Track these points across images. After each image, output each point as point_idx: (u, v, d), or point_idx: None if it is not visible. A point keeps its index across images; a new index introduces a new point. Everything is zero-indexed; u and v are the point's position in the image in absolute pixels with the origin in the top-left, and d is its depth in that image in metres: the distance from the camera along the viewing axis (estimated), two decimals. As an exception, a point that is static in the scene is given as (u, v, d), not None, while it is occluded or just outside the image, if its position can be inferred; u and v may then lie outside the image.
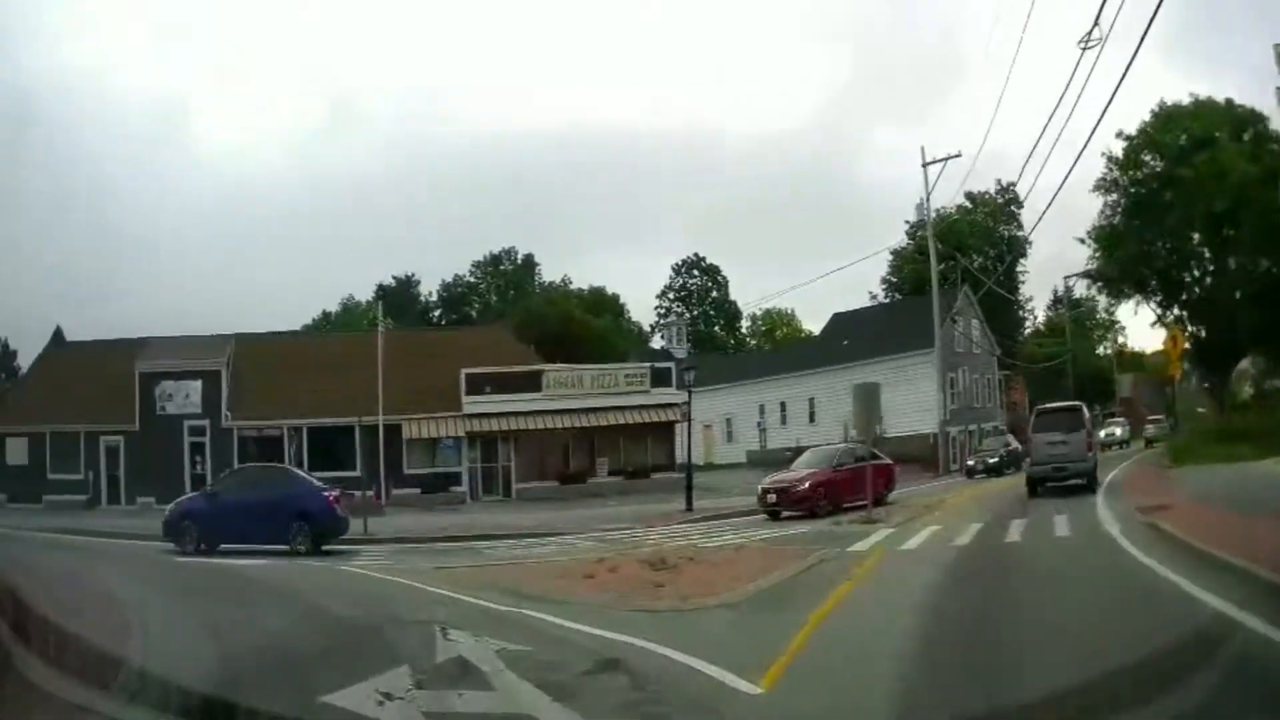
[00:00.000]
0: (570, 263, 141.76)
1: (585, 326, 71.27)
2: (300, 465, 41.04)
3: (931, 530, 20.97)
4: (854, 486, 26.45)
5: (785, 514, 27.78)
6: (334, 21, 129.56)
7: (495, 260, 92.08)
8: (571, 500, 40.93)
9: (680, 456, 44.58)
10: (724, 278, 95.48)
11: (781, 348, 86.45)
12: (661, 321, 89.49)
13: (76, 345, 51.47)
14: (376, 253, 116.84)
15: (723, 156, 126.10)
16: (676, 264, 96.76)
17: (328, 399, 43.00)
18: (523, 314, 71.64)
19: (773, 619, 11.49)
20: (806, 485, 27.93)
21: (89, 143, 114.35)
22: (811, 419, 61.51)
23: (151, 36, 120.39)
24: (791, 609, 11.74)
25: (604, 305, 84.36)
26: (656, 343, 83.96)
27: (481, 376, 44.54)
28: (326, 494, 23.64)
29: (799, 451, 36.38)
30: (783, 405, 65.04)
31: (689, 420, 40.05)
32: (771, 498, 28.34)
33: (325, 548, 23.29)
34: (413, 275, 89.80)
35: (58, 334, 53.31)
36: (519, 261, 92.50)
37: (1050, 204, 72.80)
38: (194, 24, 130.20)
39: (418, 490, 42.86)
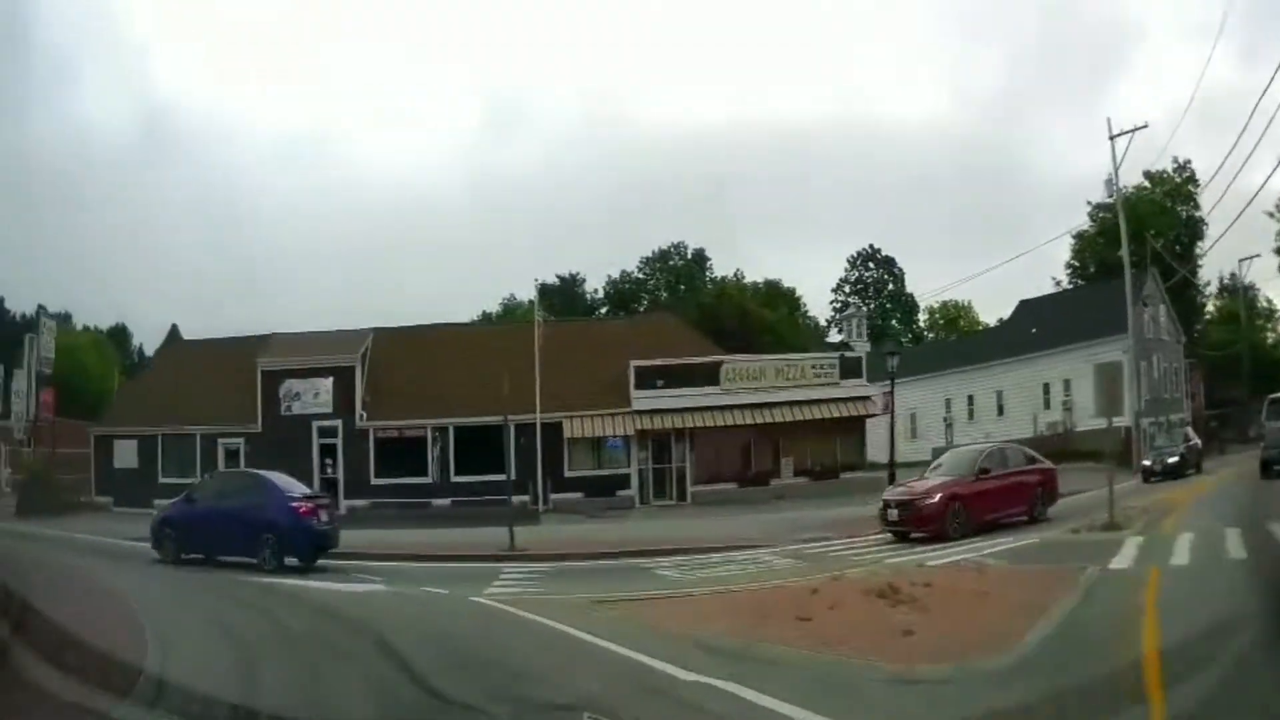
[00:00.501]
0: (741, 257, 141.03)
1: (761, 320, 66.76)
2: (445, 469, 38.51)
3: (1187, 539, 17.75)
4: (1001, 499, 23.39)
5: (913, 535, 22.79)
6: (499, 26, 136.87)
7: (664, 256, 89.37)
8: (753, 504, 36.45)
9: (872, 454, 41.35)
10: (900, 269, 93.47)
11: (964, 338, 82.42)
12: (838, 316, 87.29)
13: (194, 344, 48.85)
14: (540, 254, 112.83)
15: (892, 146, 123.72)
16: (851, 256, 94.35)
17: (477, 395, 38.37)
18: (695, 309, 67.70)
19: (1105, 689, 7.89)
20: (936, 499, 22.51)
21: (240, 154, 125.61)
22: (1000, 412, 58.43)
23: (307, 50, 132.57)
24: (1102, 662, 8.94)
25: (779, 299, 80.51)
26: (833, 337, 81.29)
27: (652, 369, 39.61)
28: (297, 505, 21.32)
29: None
30: (970, 399, 60.82)
31: (892, 412, 35.50)
32: (894, 513, 23.22)
33: (318, 562, 21.73)
34: (577, 274, 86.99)
35: (173, 332, 50.43)
36: (689, 256, 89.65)
37: (1233, 180, 65.92)
38: (354, 32, 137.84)
39: (580, 494, 38.08)
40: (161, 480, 41.20)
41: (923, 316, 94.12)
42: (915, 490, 23.48)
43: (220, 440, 41.45)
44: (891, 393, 36.49)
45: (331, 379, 40.61)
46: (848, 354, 44.87)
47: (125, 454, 42.85)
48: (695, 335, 46.39)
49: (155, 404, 43.39)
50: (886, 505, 23.38)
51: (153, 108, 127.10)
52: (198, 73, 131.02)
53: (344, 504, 38.76)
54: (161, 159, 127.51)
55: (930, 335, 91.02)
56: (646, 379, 39.47)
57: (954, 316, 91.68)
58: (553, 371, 37.20)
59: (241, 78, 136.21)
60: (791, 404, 40.20)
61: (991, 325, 78.05)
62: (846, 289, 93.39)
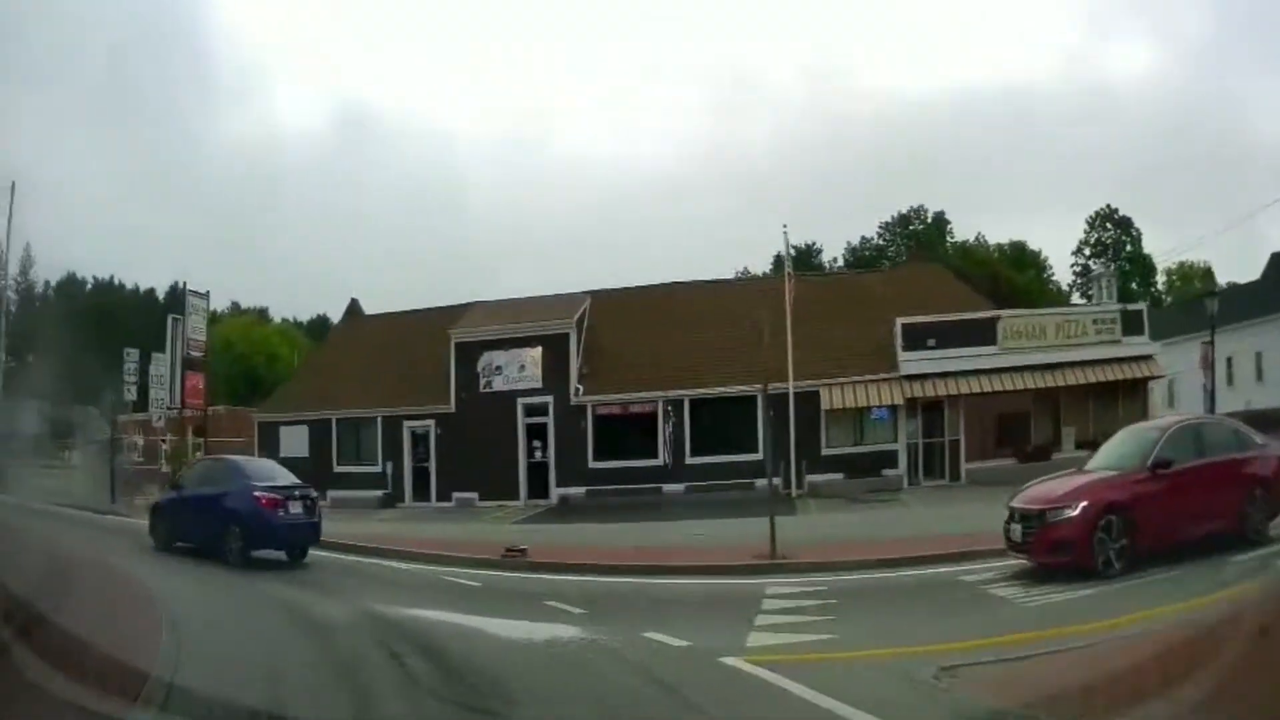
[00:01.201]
0: (981, 220, 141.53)
1: (1012, 283, 63.11)
2: (679, 449, 34.06)
3: None
4: (1191, 508, 14.49)
5: (1042, 563, 14.91)
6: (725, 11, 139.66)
7: (904, 220, 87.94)
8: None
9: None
10: (1137, 230, 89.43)
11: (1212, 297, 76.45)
12: (1080, 280, 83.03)
13: (377, 318, 45.18)
14: (771, 229, 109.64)
15: (1124, 107, 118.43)
16: (1090, 217, 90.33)
17: (716, 362, 34.55)
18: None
19: None
20: (1076, 512, 14.36)
21: (456, 146, 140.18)
22: (1259, 376, 52.87)
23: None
24: None
25: (1025, 261, 78.41)
26: (1076, 300, 76.04)
27: (923, 327, 34.55)
28: (259, 496, 19.90)
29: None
30: (1229, 361, 54.18)
31: (1212, 366, 30.26)
32: (1016, 530, 15.13)
33: (305, 558, 20.80)
34: (813, 244, 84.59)
35: (353, 307, 46.35)
36: (929, 220, 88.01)
37: None
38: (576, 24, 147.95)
39: (839, 475, 33.22)
40: (337, 469, 38.29)
41: (1160, 279, 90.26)
42: (1049, 496, 15.09)
43: (406, 423, 37.70)
44: (1212, 342, 32.34)
45: (540, 349, 36.05)
46: (1130, 306, 39.64)
47: (294, 441, 39.62)
48: (962, 288, 40.99)
49: (331, 385, 40.11)
50: (1010, 516, 15.24)
51: (366, 102, 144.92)
52: (413, 67, 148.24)
53: (555, 492, 34.82)
54: (369, 150, 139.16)
55: (1168, 299, 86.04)
56: (915, 338, 34.37)
57: (1193, 277, 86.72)
58: (805, 333, 32.58)
59: (459, 73, 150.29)
60: (1072, 365, 35.03)
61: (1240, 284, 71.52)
62: (1086, 252, 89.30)
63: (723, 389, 33.63)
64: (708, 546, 21.01)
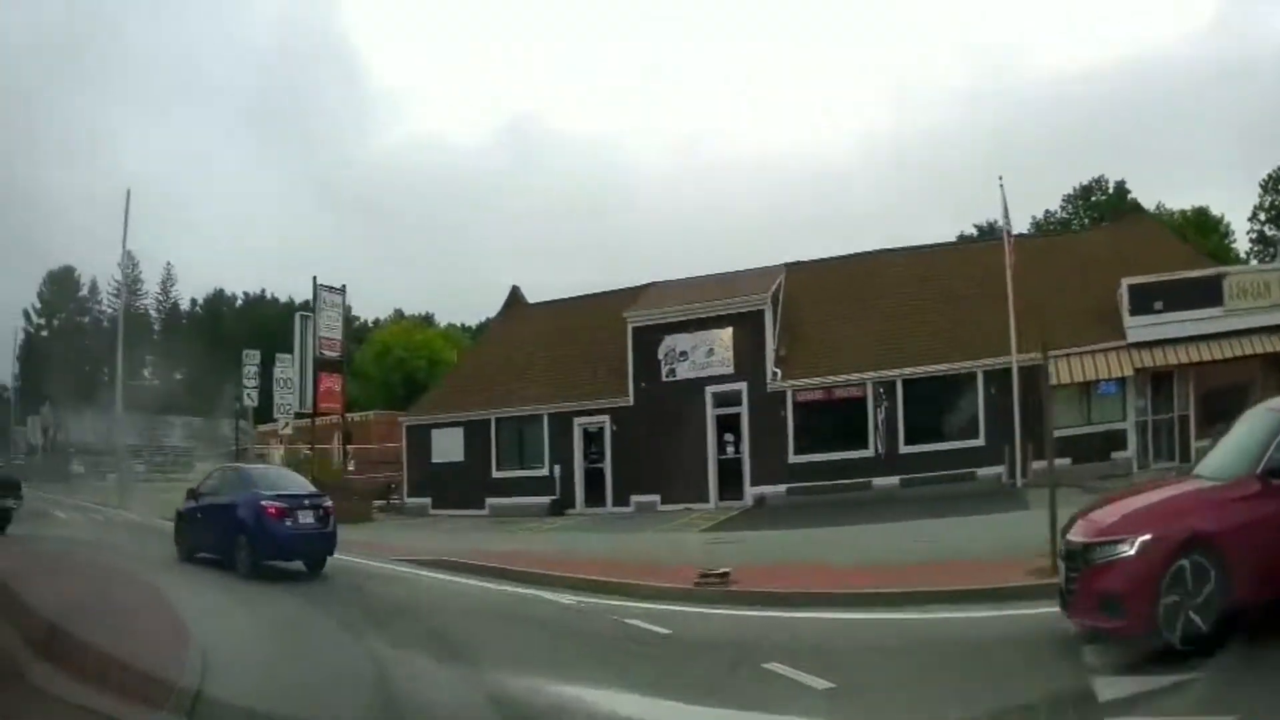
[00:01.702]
0: (1160, 189, 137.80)
1: (1198, 250, 59.38)
2: (892, 437, 31.23)
3: None
4: None
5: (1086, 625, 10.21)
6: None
7: (1085, 191, 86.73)
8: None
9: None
10: None
11: None
12: (1255, 247, 79.78)
13: (541, 306, 43.26)
14: (950, 207, 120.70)
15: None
16: (1263, 180, 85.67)
17: (929, 338, 31.87)
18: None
19: None
20: (1134, 552, 9.53)
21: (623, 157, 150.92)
22: None
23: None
24: None
25: (1208, 227, 74.93)
26: None
27: (1151, 288, 31.43)
28: (266, 505, 19.76)
29: None
30: None
31: None
32: (1063, 569, 10.53)
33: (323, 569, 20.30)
34: (994, 222, 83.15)
35: (513, 295, 44.40)
36: (1110, 190, 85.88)
37: None
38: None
39: (1066, 460, 30.03)
40: (497, 474, 36.97)
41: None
42: (1103, 523, 10.25)
43: (577, 420, 35.80)
44: None
45: (730, 329, 33.53)
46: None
47: (447, 444, 38.42)
48: (1179, 244, 37.55)
49: (490, 382, 38.61)
50: (1067, 551, 10.49)
51: (526, 109, 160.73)
52: (574, 72, 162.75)
53: (750, 492, 32.46)
54: (530, 155, 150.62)
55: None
56: (1143, 301, 31.17)
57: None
58: (1022, 299, 29.48)
59: (626, 76, 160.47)
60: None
61: None
62: (1261, 217, 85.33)
63: (939, 366, 30.98)
64: (955, 556, 17.04)
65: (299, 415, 39.24)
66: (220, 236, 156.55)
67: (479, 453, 37.21)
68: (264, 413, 43.96)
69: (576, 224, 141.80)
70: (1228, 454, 10.56)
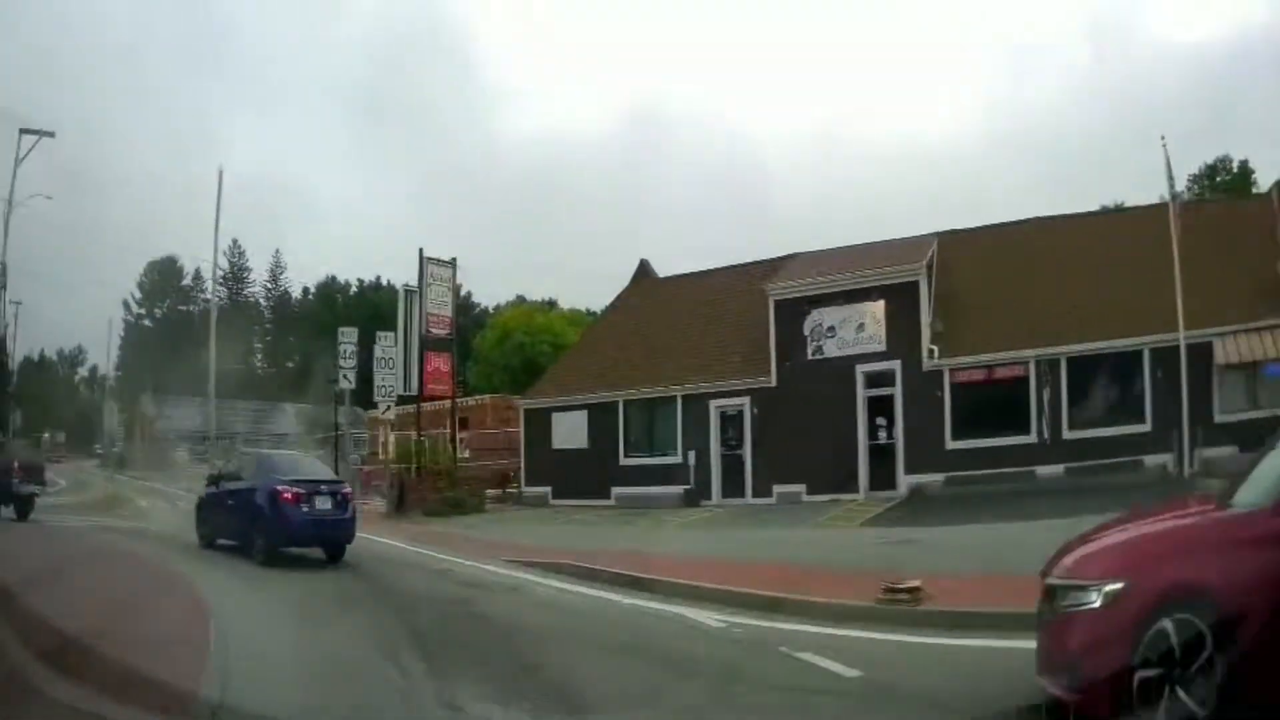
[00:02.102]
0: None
1: None
2: (1055, 420, 29.13)
3: None
4: None
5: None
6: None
7: (1211, 171, 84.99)
8: None
9: None
10: None
11: None
12: None
13: (671, 280, 41.84)
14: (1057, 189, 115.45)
15: None
16: None
17: (1094, 312, 29.29)
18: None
19: None
20: (1099, 604, 7.15)
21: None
22: None
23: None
24: None
25: None
26: None
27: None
28: (281, 490, 19.95)
29: None
30: None
31: None
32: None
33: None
34: (1122, 203, 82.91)
35: (642, 269, 43.04)
36: (1235, 170, 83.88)
37: None
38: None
39: (1233, 449, 27.32)
40: (625, 461, 35.59)
41: None
42: (1079, 556, 7.88)
43: (713, 402, 33.99)
44: None
45: (882, 302, 31.58)
46: None
47: (569, 429, 37.14)
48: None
49: (617, 361, 37.31)
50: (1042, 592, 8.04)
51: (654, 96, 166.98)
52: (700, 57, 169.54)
53: (903, 481, 30.54)
54: (658, 142, 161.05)
55: None
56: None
57: None
58: (1188, 270, 27.16)
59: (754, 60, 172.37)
60: None
61: None
62: None
63: (1104, 343, 28.74)
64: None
65: (404, 399, 38.06)
66: (336, 227, 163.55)
67: (605, 438, 35.88)
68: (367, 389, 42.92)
69: (704, 209, 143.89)
70: (1266, 474, 7.50)
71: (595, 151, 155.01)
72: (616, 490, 34.76)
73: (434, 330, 36.96)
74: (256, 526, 20.10)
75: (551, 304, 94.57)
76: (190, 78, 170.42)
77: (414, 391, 37.03)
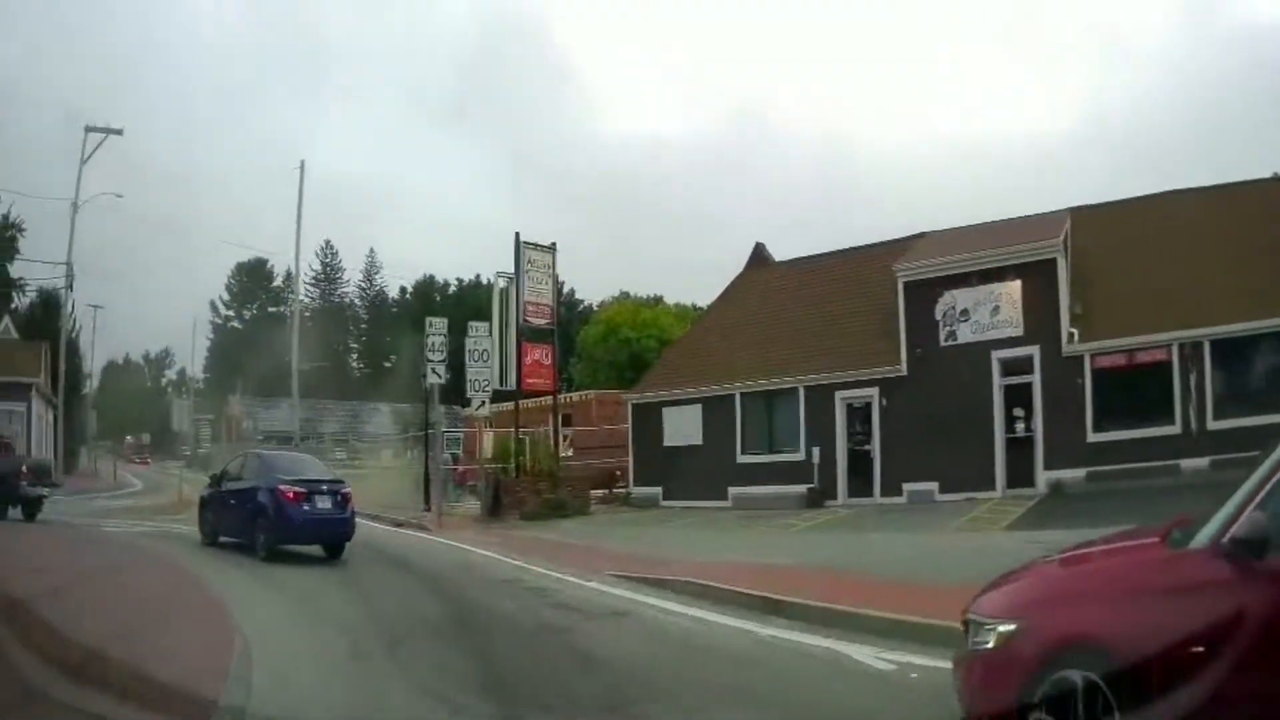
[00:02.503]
0: None
1: None
2: (1200, 409, 27.58)
3: None
4: None
5: None
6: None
7: None
8: None
9: None
10: None
11: None
12: None
13: (791, 264, 40.44)
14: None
15: None
16: None
17: (1232, 291, 27.67)
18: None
19: None
20: (990, 646, 6.77)
21: None
22: None
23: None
24: None
25: None
26: None
27: None
28: (284, 490, 21.62)
29: None
30: None
31: None
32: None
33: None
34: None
35: (758, 253, 41.98)
36: None
37: None
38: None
39: None
40: (740, 459, 34.50)
41: None
42: (986, 598, 7.38)
43: (839, 394, 32.86)
44: None
45: (1018, 282, 30.20)
46: None
47: (682, 425, 36.16)
48: None
49: (732, 351, 36.16)
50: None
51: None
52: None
53: (1042, 477, 29.12)
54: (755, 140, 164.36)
55: None
56: None
57: None
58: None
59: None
60: None
61: None
62: None
63: (1252, 324, 26.89)
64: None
65: (501, 395, 36.56)
66: (433, 228, 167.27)
67: (720, 434, 34.91)
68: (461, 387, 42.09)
69: (805, 204, 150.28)
70: (1228, 505, 6.08)
71: (694, 147, 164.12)
72: (733, 490, 33.87)
73: (532, 319, 35.90)
74: (259, 524, 21.79)
75: (657, 300, 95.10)
76: (282, 80, 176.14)
77: (512, 386, 35.77)
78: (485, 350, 34.57)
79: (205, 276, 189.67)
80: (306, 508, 21.61)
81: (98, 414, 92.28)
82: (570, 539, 25.71)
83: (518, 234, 35.96)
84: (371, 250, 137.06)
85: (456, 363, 36.89)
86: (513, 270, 35.53)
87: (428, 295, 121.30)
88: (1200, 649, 5.39)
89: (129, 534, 27.30)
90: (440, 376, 34.24)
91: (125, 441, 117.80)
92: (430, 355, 33.80)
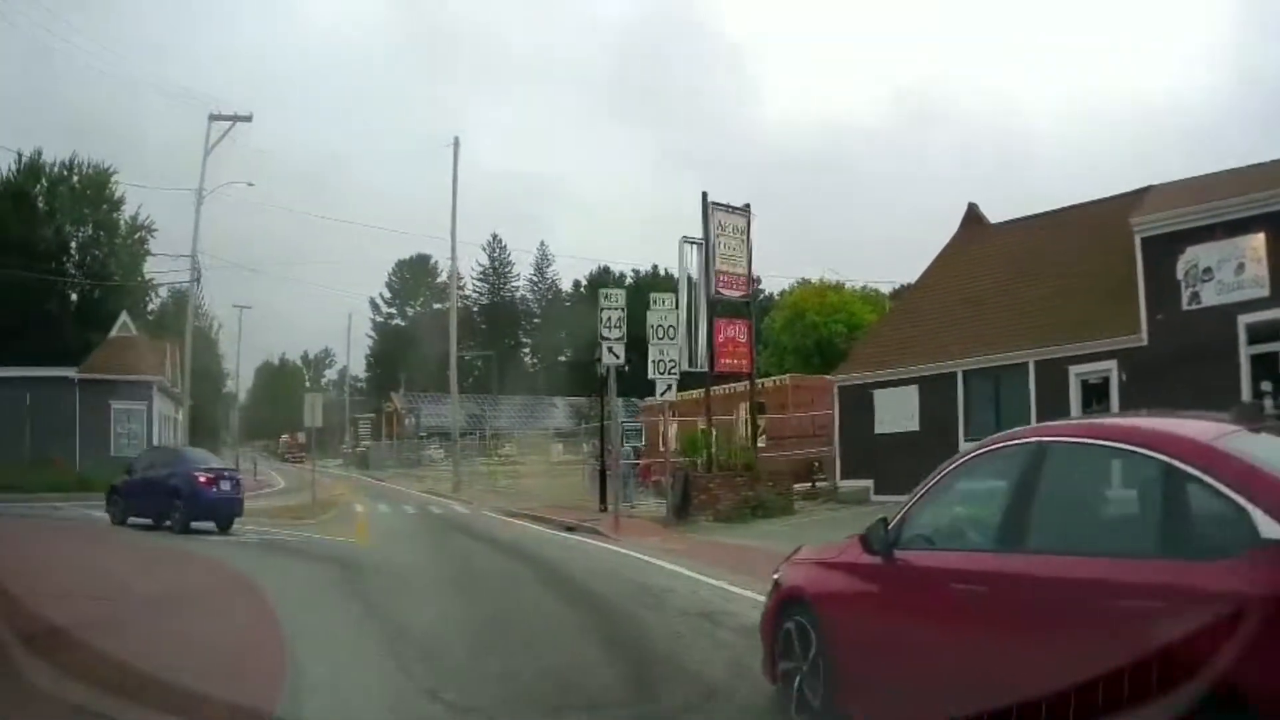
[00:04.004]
0: None
1: None
2: None
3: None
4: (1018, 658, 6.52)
5: None
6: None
7: None
8: None
9: None
10: None
11: None
12: None
13: (1009, 226, 39.09)
14: None
15: None
16: None
17: None
18: None
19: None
20: (766, 599, 10.32)
21: None
22: None
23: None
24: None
25: None
26: None
27: None
28: (198, 476, 29.49)
29: None
30: None
31: None
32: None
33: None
34: None
35: (972, 213, 40.73)
36: None
37: None
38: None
39: None
40: (965, 445, 31.88)
41: None
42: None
43: (1073, 368, 31.53)
44: None
45: (1262, 235, 28.31)
46: None
47: (895, 407, 35.20)
48: None
49: (948, 324, 35.29)
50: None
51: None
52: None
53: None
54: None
55: None
56: None
57: None
58: None
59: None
60: None
61: None
62: None
63: None
64: None
65: (686, 378, 34.82)
66: (607, 221, 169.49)
67: (938, 418, 33.58)
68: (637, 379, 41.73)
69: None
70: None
71: (868, 128, 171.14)
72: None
73: (725, 292, 33.98)
74: (176, 504, 28.79)
75: (838, 286, 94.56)
76: (444, 78, 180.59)
77: (700, 368, 33.82)
78: (671, 326, 32.69)
79: (364, 277, 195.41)
80: (214, 490, 29.47)
81: (242, 413, 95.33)
82: (774, 544, 21.44)
83: (705, 194, 34.24)
84: (542, 243, 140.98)
85: (634, 354, 36.76)
86: (700, 236, 33.65)
87: (602, 287, 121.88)
88: (856, 610, 8.36)
89: (227, 546, 26.43)
90: (618, 357, 33.03)
91: (280, 440, 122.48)
92: (606, 332, 32.42)
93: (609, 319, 32.54)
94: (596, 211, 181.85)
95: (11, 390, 48.90)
